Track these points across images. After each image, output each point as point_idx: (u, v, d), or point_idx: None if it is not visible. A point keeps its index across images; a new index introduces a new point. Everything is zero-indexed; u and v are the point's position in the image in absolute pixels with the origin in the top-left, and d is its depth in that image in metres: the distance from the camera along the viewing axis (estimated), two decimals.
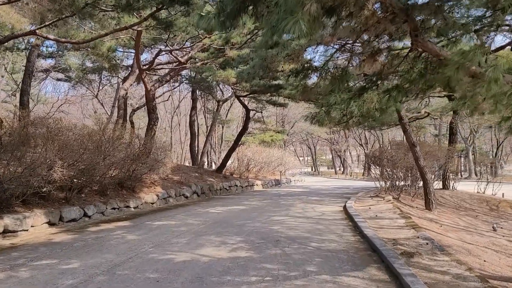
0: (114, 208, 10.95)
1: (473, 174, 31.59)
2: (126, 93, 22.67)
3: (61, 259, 5.85)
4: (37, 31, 7.68)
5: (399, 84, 4.79)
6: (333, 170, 62.93)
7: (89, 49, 11.14)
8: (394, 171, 14.33)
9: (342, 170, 55.35)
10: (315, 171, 60.77)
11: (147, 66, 14.33)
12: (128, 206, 11.50)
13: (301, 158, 72.46)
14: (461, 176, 29.49)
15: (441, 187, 17.36)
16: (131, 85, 19.23)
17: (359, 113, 5.42)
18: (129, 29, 8.61)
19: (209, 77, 13.20)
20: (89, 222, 9.48)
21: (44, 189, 8.51)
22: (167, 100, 40.37)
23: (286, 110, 41.75)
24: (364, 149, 45.11)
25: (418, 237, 6.81)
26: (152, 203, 12.63)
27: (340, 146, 50.70)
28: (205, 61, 13.34)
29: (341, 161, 56.38)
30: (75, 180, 10.23)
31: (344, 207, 11.65)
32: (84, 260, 5.75)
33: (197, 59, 13.74)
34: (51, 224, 8.71)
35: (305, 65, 5.92)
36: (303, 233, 7.57)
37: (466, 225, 11.83)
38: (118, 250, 6.37)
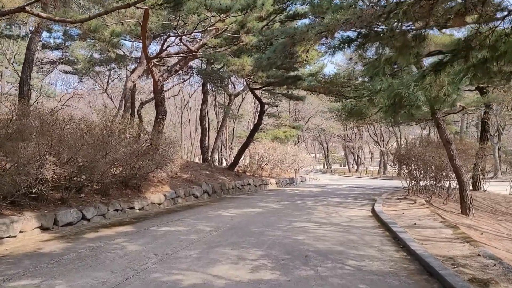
0: (116, 210, 9.88)
1: (499, 174, 30.01)
2: (134, 86, 21.64)
3: (44, 278, 4.76)
4: (26, 7, 6.60)
5: (487, 57, 3.59)
6: (346, 167, 61.55)
7: (89, 32, 10.04)
8: (425, 171, 13.04)
9: (355, 168, 53.90)
10: (327, 168, 59.42)
11: (155, 55, 13.17)
12: (132, 208, 10.42)
13: (312, 155, 71.13)
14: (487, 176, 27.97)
15: (471, 188, 16.03)
16: (139, 77, 18.16)
17: (426, 99, 4.22)
18: (133, 6, 7.47)
19: (222, 66, 12.02)
20: (88, 226, 8.41)
21: (35, 190, 7.43)
22: (177, 94, 39.41)
23: (300, 105, 40.47)
24: (380, 146, 43.67)
25: (479, 255, 5.57)
26: (159, 204, 11.54)
27: (354, 143, 49.23)
28: (218, 49, 12.17)
29: (354, 159, 54.93)
30: (75, 178, 9.19)
31: (373, 210, 10.42)
32: (71, 280, 4.65)
33: (209, 47, 12.57)
34: (44, 229, 7.66)
35: (363, 30, 4.73)
36: (335, 246, 6.37)
37: (509, 232, 10.56)
38: (114, 266, 5.25)
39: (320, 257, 5.68)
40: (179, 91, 39.68)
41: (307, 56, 9.72)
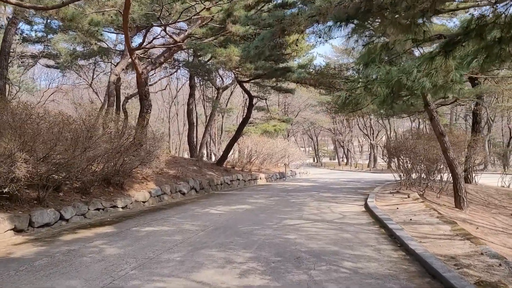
0: (98, 209, 9.38)
1: (489, 166, 30.00)
2: (119, 79, 21.00)
3: None
4: None
5: (503, 36, 3.18)
6: (335, 161, 61.50)
7: (66, 21, 9.43)
8: (417, 164, 12.74)
9: (345, 161, 53.80)
10: (317, 162, 59.27)
11: (138, 46, 12.61)
12: (115, 206, 9.93)
13: (302, 149, 70.95)
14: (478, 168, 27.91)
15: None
16: (122, 69, 17.56)
17: (430, 87, 3.82)
18: None
19: (210, 59, 11.49)
20: (66, 227, 7.90)
21: (6, 189, 6.92)
22: (165, 89, 38.76)
23: (290, 98, 40.08)
24: (370, 139, 43.54)
25: (482, 254, 5.23)
26: (144, 202, 11.06)
27: (344, 136, 49.05)
28: (204, 39, 11.64)
29: (344, 152, 54.81)
30: (53, 176, 8.66)
31: (366, 206, 10.08)
32: None
33: (194, 37, 12.04)
34: (17, 231, 7.14)
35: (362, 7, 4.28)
36: (329, 246, 5.98)
37: (504, 226, 10.32)
38: (89, 272, 4.80)
39: (313, 258, 5.29)
40: (166, 85, 39.02)
41: (297, 45, 9.27)
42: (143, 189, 11.43)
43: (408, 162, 13.31)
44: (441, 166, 13.11)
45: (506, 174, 17.75)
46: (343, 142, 51.15)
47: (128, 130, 11.34)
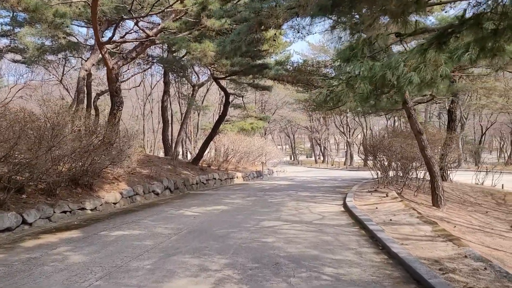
0: (64, 212, 8.85)
1: (463, 163, 30.57)
2: (90, 75, 20.25)
3: None
4: None
5: (499, 27, 2.95)
6: (312, 158, 61.74)
7: (28, 12, 8.83)
8: (395, 162, 12.67)
9: (322, 159, 54.04)
10: (294, 160, 59.33)
11: (107, 40, 12.03)
12: (83, 208, 9.41)
13: (279, 147, 70.97)
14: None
15: None
16: (93, 65, 16.88)
17: (418, 82, 3.57)
18: None
19: (185, 55, 11.02)
20: (29, 232, 7.37)
21: None
22: (139, 85, 37.94)
23: (267, 96, 39.85)
24: (346, 137, 43.78)
25: (465, 256, 5.05)
26: (115, 203, 10.55)
27: (320, 134, 49.19)
28: (178, 34, 11.18)
29: (321, 150, 55.03)
30: (16, 177, 8.10)
31: (345, 205, 9.90)
32: None
33: (168, 32, 11.56)
34: None
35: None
36: (308, 250, 5.71)
37: (481, 224, 10.33)
38: (49, 284, 4.38)
39: (292, 264, 5.00)
40: (140, 82, 38.17)
41: (274, 40, 8.97)
42: (114, 190, 10.92)
43: (385, 160, 13.23)
44: (418, 164, 13.08)
45: (480, 171, 17.98)
46: (319, 140, 51.31)
47: (98, 128, 10.80)
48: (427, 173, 13.45)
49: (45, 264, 5.17)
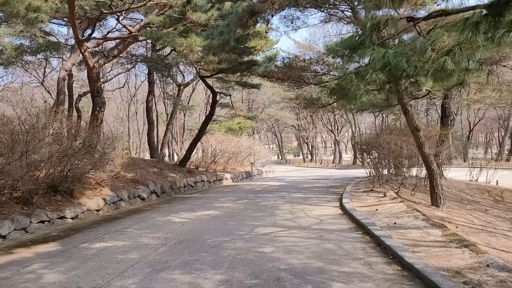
0: (42, 221, 8.18)
1: (454, 160, 30.34)
2: (71, 76, 19.44)
3: None
4: None
5: None
6: (300, 157, 61.41)
7: None
8: (391, 160, 12.23)
9: (310, 157, 53.69)
10: (282, 159, 58.88)
11: (87, 37, 11.31)
12: (63, 217, 8.73)
13: (266, 146, 70.47)
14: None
15: None
16: (73, 64, 16.10)
17: (452, 69, 3.04)
18: None
19: (170, 53, 10.36)
20: (2, 245, 6.69)
21: None
22: (123, 86, 37.09)
23: (254, 95, 39.29)
24: (335, 135, 43.47)
25: (488, 265, 4.56)
26: (98, 210, 9.87)
27: (308, 132, 48.80)
28: (162, 30, 10.53)
29: (308, 148, 54.68)
30: None
31: (342, 207, 9.40)
32: None
33: (151, 27, 10.89)
34: None
35: None
36: (312, 261, 5.16)
37: (482, 223, 9.96)
38: None
39: (296, 279, 4.44)
40: (124, 83, 37.33)
41: (266, 32, 8.43)
42: (97, 196, 10.23)
43: (381, 158, 12.79)
44: (415, 162, 12.67)
45: (474, 167, 17.71)
46: (307, 139, 50.93)
47: (78, 131, 10.10)
48: (423, 171, 13.09)
49: (16, 286, 4.53)
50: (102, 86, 12.70)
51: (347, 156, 50.43)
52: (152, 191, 12.72)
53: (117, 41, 12.72)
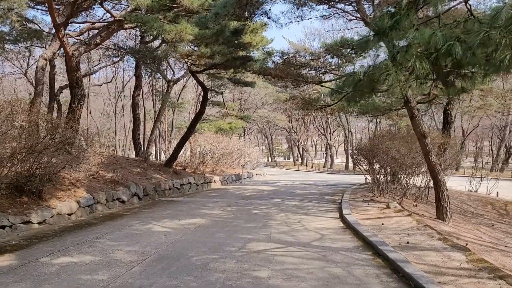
0: (3, 227, 7.18)
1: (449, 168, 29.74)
2: (53, 67, 18.33)
3: None
4: None
5: None
6: (290, 160, 60.62)
7: None
8: (394, 169, 11.38)
9: (300, 161, 52.88)
10: (272, 161, 57.94)
11: (65, 20, 10.23)
12: (28, 222, 7.68)
13: (256, 148, 69.49)
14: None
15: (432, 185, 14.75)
16: (54, 53, 14.96)
17: None
18: None
19: (158, 44, 9.34)
20: None
21: None
22: (110, 81, 35.94)
23: (246, 94, 38.32)
24: (327, 139, 42.68)
25: None
26: (70, 214, 8.82)
27: (299, 135, 47.97)
28: (150, 13, 9.51)
29: (299, 151, 53.86)
30: None
31: (343, 219, 8.49)
32: None
33: (138, 13, 9.88)
34: None
35: None
36: None
37: (492, 240, 9.15)
38: None
39: None
40: (112, 78, 36.18)
41: (265, 25, 7.48)
42: (70, 197, 9.16)
43: (382, 166, 11.93)
44: (416, 171, 11.86)
45: (474, 177, 16.99)
46: (298, 142, 50.10)
47: (51, 125, 9.01)
48: (424, 180, 12.28)
49: None
50: (81, 77, 11.61)
51: (338, 161, 49.67)
52: (134, 194, 11.67)
53: (101, 28, 11.65)
